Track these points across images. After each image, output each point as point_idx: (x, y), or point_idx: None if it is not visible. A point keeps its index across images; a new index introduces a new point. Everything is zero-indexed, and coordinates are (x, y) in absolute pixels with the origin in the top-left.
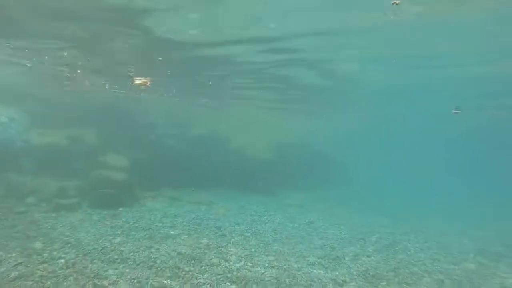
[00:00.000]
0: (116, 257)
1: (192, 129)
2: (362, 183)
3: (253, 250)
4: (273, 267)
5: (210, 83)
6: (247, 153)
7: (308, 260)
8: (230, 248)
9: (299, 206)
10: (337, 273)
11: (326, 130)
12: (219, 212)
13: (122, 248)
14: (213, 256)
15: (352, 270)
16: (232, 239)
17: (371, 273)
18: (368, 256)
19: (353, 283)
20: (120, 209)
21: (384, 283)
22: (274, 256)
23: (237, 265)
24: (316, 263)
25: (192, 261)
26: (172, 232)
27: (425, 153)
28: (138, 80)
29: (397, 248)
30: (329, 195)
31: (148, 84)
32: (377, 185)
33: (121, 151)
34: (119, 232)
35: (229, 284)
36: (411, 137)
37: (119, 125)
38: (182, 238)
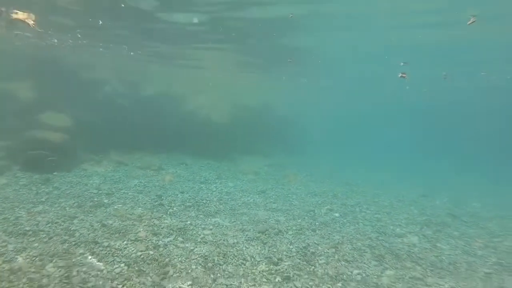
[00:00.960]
0: (28, 229)
1: (145, 89)
2: (323, 150)
3: (189, 222)
4: (205, 242)
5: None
6: (204, 115)
7: (247, 235)
8: (164, 220)
9: (254, 173)
10: (275, 250)
11: (288, 94)
12: (165, 179)
13: (39, 219)
14: (141, 229)
15: (291, 247)
16: (170, 210)
17: (311, 250)
18: (313, 230)
19: (289, 262)
20: (55, 173)
21: (322, 261)
22: (211, 229)
23: (166, 240)
24: (255, 238)
25: (116, 235)
26: (105, 201)
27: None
28: (16, 15)
29: (345, 220)
30: (288, 162)
31: (32, 22)
32: (337, 152)
33: (63, 110)
34: (43, 200)
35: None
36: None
37: (61, 81)
38: (115, 207)
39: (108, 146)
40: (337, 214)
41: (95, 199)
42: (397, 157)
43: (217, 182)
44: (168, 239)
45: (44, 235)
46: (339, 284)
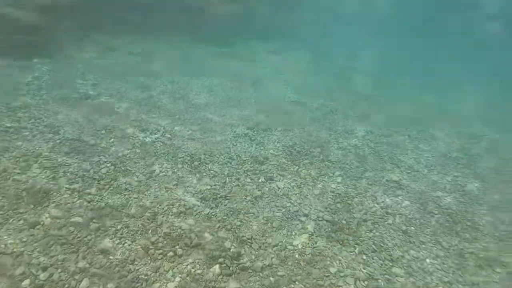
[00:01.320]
0: (9, 125)
1: None
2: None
3: (177, 117)
4: (192, 139)
5: None
6: None
7: (235, 132)
8: (152, 114)
9: (251, 60)
10: (262, 148)
11: None
12: (155, 66)
13: (20, 114)
14: (128, 125)
15: (278, 145)
16: (159, 102)
17: (297, 149)
18: (302, 127)
19: (274, 162)
20: (35, 60)
21: (307, 161)
22: (199, 125)
23: (153, 137)
24: (243, 135)
25: (102, 132)
26: (91, 92)
27: None
28: None
29: (335, 117)
30: (299, 46)
31: None
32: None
33: None
34: (24, 92)
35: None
36: None
37: None
38: (101, 100)
39: (95, 27)
40: (327, 109)
41: (80, 90)
42: None
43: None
44: (155, 136)
45: (27, 133)
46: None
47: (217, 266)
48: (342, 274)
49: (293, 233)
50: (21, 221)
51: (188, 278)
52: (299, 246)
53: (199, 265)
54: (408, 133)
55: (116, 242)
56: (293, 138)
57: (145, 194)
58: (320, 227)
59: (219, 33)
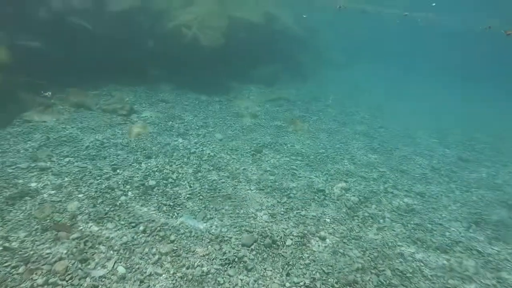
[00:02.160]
0: None
1: (111, 2)
2: (343, 74)
3: (141, 228)
4: (158, 275)
5: None
6: (191, 37)
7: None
8: (106, 225)
9: (252, 115)
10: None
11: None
12: (132, 132)
13: None
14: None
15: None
16: (123, 197)
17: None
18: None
19: None
20: None
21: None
22: (173, 242)
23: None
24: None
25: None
26: (33, 184)
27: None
28: None
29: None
30: (294, 95)
31: None
32: (361, 73)
33: None
34: None
35: None
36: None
37: None
38: (46, 195)
39: (63, 81)
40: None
41: (19, 181)
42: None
43: (201, 133)
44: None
45: None
46: None
47: None
48: None
49: None
50: None
51: None
52: None
53: None
54: None
55: None
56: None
57: None
58: None
59: (210, 79)
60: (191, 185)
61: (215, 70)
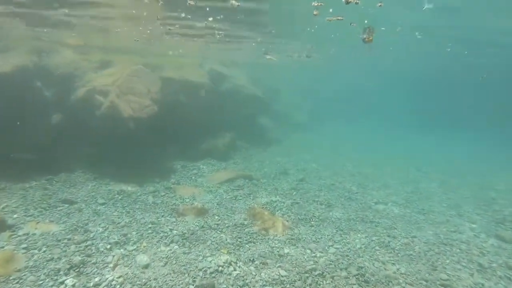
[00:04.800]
0: None
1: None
2: (309, 134)
3: None
4: None
5: None
6: (108, 106)
7: None
8: None
9: (198, 212)
10: None
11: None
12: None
13: None
14: None
15: None
16: None
17: None
18: None
19: None
20: None
21: None
22: None
23: None
24: None
25: None
26: None
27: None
28: None
29: None
30: (258, 168)
31: None
32: (330, 134)
33: None
34: None
35: None
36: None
37: None
38: None
39: None
40: None
41: None
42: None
43: (111, 258)
44: None
45: None
46: None
47: None
48: None
49: None
50: None
51: None
52: None
53: None
54: None
55: None
56: None
57: None
58: None
59: (141, 159)
60: None
61: (149, 148)
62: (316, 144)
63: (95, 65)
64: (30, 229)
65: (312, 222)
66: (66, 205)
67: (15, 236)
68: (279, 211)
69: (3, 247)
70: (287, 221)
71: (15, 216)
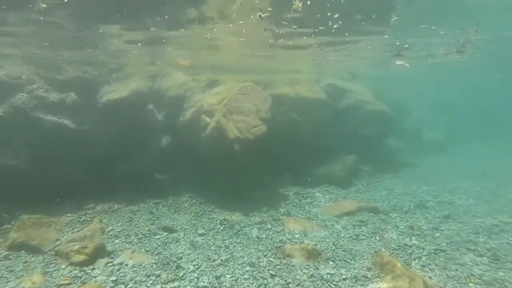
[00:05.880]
0: None
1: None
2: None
3: None
4: None
5: None
6: (212, 126)
7: None
8: None
9: (310, 254)
10: None
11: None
12: None
13: None
14: None
15: None
16: None
17: None
18: None
19: None
20: None
21: None
22: None
23: None
24: None
25: None
26: None
27: None
28: None
29: None
30: (389, 199)
31: None
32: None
33: None
34: None
35: None
36: None
37: None
38: None
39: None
40: None
41: None
42: None
43: None
44: None
45: None
46: None
47: None
48: None
49: None
50: None
51: None
52: None
53: None
54: None
55: None
56: None
57: None
58: None
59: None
60: None
61: (256, 172)
62: (460, 168)
63: (203, 84)
64: (125, 258)
65: (470, 285)
66: (165, 233)
67: (110, 264)
68: (417, 261)
69: (96, 276)
70: (430, 278)
71: (116, 241)
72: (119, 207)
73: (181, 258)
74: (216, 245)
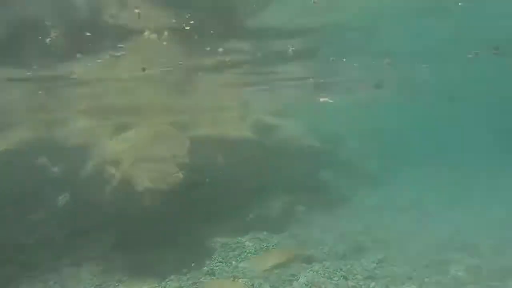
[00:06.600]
0: None
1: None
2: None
3: None
4: None
5: None
6: (118, 177)
7: None
8: None
9: None
10: None
11: None
12: None
13: None
14: None
15: None
16: None
17: None
18: None
19: None
20: None
21: None
22: None
23: None
24: None
25: None
26: None
27: None
28: None
29: None
30: (329, 241)
31: None
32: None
33: None
34: None
35: None
36: None
37: None
38: None
39: None
40: None
41: None
42: None
43: None
44: None
45: None
46: None
47: None
48: None
49: None
50: None
51: None
52: None
53: None
54: None
55: None
56: None
57: None
58: None
59: None
60: None
61: (174, 225)
62: (394, 200)
63: (110, 129)
64: None
65: None
66: None
67: None
68: None
69: None
70: None
71: None
72: None
73: None
74: None
